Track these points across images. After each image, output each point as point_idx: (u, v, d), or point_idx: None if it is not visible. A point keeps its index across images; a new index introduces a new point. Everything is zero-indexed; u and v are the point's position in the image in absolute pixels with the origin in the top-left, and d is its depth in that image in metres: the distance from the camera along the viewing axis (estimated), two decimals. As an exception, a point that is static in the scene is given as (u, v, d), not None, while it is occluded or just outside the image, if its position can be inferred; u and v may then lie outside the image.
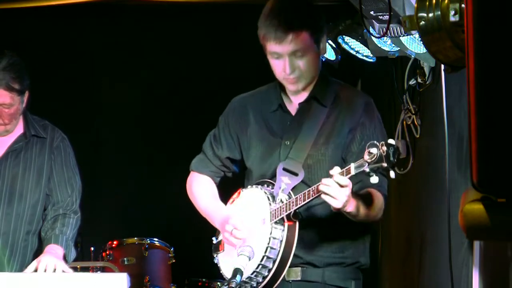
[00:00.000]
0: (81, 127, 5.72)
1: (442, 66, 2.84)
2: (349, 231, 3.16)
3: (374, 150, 2.82)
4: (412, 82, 4.23)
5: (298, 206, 3.03)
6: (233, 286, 2.96)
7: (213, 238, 3.38)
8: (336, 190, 2.87)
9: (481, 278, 3.16)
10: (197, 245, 3.60)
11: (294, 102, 3.25)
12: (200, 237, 3.46)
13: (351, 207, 2.95)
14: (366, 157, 2.83)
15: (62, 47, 5.87)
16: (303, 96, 3.23)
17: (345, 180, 2.86)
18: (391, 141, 2.83)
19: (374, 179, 2.85)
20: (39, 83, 4.03)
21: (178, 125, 5.90)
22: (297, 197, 3.03)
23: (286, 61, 3.09)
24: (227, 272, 3.23)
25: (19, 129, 3.90)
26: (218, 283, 5.04)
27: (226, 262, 3.26)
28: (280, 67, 3.12)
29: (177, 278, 5.21)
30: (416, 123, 4.29)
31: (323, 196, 2.90)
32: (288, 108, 3.26)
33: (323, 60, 4.47)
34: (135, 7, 5.57)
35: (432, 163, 3.99)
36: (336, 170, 2.90)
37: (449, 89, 3.12)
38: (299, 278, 3.17)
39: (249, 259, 3.05)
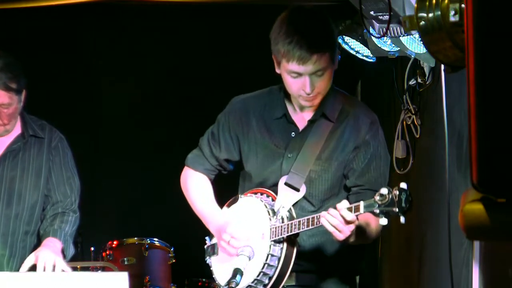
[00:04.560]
0: (81, 127, 5.72)
1: (442, 66, 2.83)
2: None
3: (385, 192, 2.80)
4: (412, 82, 4.23)
5: (301, 230, 3.02)
6: (233, 286, 2.96)
7: (207, 239, 3.37)
8: (342, 225, 2.86)
9: (481, 278, 3.16)
10: (197, 245, 3.59)
11: (299, 113, 3.22)
12: (200, 237, 3.45)
13: (352, 239, 2.96)
14: (377, 198, 2.81)
15: (62, 47, 5.87)
16: (311, 110, 3.20)
17: (352, 216, 2.85)
18: (403, 185, 2.80)
19: (383, 221, 2.83)
20: (39, 83, 4.03)
21: (179, 125, 5.90)
22: (300, 221, 3.01)
23: (307, 80, 3.03)
24: (219, 277, 3.23)
25: (17, 130, 3.90)
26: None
27: (219, 267, 3.26)
28: (297, 85, 3.06)
29: (177, 278, 5.21)
30: (416, 123, 4.29)
31: (327, 226, 2.89)
32: (293, 118, 3.22)
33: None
34: (135, 7, 5.57)
35: (432, 163, 3.99)
36: (343, 205, 2.88)
37: (449, 89, 3.12)
38: (293, 283, 3.18)
39: (249, 259, 3.05)
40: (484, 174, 1.59)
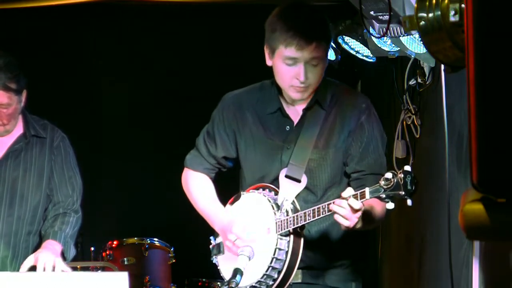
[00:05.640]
0: (81, 127, 5.72)
1: (442, 66, 2.83)
2: (349, 233, 3.14)
3: (390, 176, 2.80)
4: (412, 82, 4.23)
5: (307, 222, 3.02)
6: (233, 286, 2.96)
7: (211, 238, 3.37)
8: (349, 213, 2.86)
9: (481, 278, 3.16)
10: (197, 245, 3.59)
11: (292, 107, 3.22)
12: (200, 237, 3.46)
13: (359, 225, 2.96)
14: (382, 182, 2.80)
15: (62, 47, 5.87)
16: (304, 102, 3.20)
17: (359, 204, 2.84)
18: (407, 168, 2.80)
19: (390, 205, 2.83)
20: (38, 83, 4.03)
21: (179, 125, 5.90)
22: (305, 212, 3.01)
23: (302, 68, 3.04)
24: (227, 275, 3.22)
25: (18, 129, 3.90)
26: (218, 283, 5.04)
27: (226, 265, 3.25)
28: (291, 74, 3.07)
29: (177, 278, 5.21)
30: (416, 123, 4.29)
31: (335, 217, 2.89)
32: (287, 112, 3.22)
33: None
34: (135, 7, 5.57)
35: (432, 163, 3.99)
36: (349, 192, 2.88)
37: (449, 89, 3.12)
38: (299, 281, 3.18)
39: (249, 259, 3.05)
40: (484, 174, 1.59)
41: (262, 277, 3.07)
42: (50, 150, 3.90)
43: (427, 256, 4.14)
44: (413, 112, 4.31)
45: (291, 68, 3.06)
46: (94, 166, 5.69)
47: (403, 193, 2.78)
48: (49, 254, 3.62)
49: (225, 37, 5.87)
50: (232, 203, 3.31)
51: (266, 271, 3.06)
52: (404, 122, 4.44)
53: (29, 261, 3.63)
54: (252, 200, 3.22)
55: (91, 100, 6.02)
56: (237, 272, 2.99)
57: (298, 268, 3.11)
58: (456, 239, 3.15)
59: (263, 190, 3.21)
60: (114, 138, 6.02)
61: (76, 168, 3.96)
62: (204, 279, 5.28)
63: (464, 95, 3.16)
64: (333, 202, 2.89)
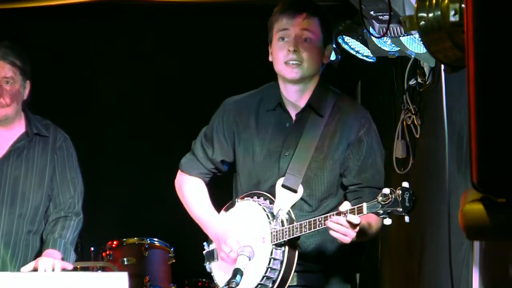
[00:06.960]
0: (81, 127, 5.71)
1: (442, 66, 2.83)
2: None
3: (387, 192, 2.80)
4: (412, 82, 4.23)
5: (302, 233, 3.01)
6: (233, 286, 2.96)
7: (205, 244, 3.36)
8: (347, 229, 2.86)
9: (481, 278, 3.16)
10: (197, 245, 3.59)
11: (291, 105, 3.21)
12: (200, 237, 3.45)
13: (355, 239, 2.95)
14: (380, 198, 2.81)
15: (62, 47, 5.87)
16: (302, 102, 3.19)
17: (358, 219, 2.85)
18: (405, 184, 2.81)
19: (387, 221, 2.84)
20: (38, 83, 4.03)
21: (179, 124, 5.90)
22: (301, 224, 3.00)
23: (292, 39, 3.08)
24: (221, 282, 3.22)
25: (21, 128, 3.90)
26: (218, 283, 5.04)
27: (221, 273, 3.25)
28: (283, 50, 3.10)
29: (177, 278, 5.21)
30: (416, 123, 4.29)
31: (333, 233, 2.89)
32: (288, 108, 3.22)
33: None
34: (135, 7, 5.57)
35: (432, 163, 3.99)
36: (346, 206, 2.88)
37: (449, 89, 3.12)
38: (295, 284, 3.17)
39: (249, 259, 3.04)
40: (484, 174, 1.59)
41: (256, 286, 3.07)
42: (52, 150, 3.90)
43: (427, 256, 4.14)
44: (413, 112, 4.31)
45: (283, 43, 3.10)
46: (94, 166, 5.68)
47: (401, 209, 2.79)
48: (49, 259, 3.62)
49: (225, 37, 5.87)
50: (226, 210, 3.30)
51: (261, 280, 3.06)
52: (404, 122, 4.43)
53: (28, 268, 3.62)
54: (247, 208, 3.21)
55: (91, 100, 6.02)
56: (237, 272, 2.99)
57: (294, 272, 3.11)
58: (456, 239, 3.15)
59: (258, 198, 3.19)
60: (114, 138, 6.02)
61: (78, 169, 3.96)
62: (204, 279, 5.29)
63: (464, 95, 3.16)
64: (330, 218, 2.88)
